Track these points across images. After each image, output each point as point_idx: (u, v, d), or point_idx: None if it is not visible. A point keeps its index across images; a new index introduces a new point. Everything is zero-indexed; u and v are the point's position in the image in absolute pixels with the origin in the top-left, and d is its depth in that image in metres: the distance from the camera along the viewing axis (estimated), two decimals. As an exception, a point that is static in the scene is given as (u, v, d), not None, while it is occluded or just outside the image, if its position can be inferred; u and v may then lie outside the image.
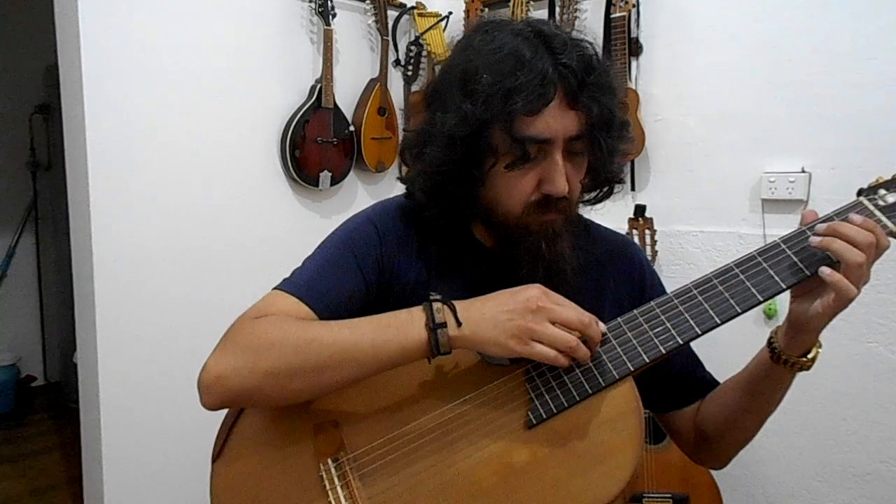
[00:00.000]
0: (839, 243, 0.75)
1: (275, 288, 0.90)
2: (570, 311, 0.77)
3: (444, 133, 0.83)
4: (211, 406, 0.81)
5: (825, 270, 0.76)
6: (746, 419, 0.91)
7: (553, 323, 0.76)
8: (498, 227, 0.89)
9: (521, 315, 0.76)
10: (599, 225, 1.03)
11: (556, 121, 0.80)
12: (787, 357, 0.83)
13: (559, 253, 0.86)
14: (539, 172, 0.83)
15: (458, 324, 0.77)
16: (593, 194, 0.95)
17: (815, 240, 0.77)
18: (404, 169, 0.98)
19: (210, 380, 0.79)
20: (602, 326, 0.80)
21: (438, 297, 0.80)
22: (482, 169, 0.85)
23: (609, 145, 0.84)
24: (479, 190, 0.88)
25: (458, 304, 0.79)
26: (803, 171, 1.92)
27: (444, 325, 0.77)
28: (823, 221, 0.79)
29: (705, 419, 0.96)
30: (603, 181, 0.93)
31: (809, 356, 0.83)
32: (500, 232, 0.89)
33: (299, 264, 0.94)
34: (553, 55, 0.79)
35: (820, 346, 0.84)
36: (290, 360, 0.78)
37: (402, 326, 0.79)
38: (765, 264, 0.79)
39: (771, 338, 0.85)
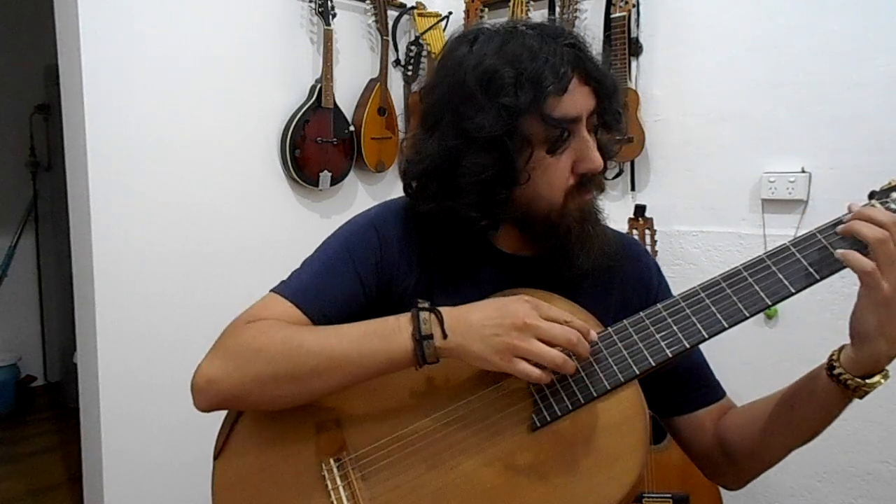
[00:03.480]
0: (860, 224, 0.73)
1: (272, 290, 0.90)
2: (557, 328, 0.76)
3: (480, 138, 0.81)
4: (203, 408, 0.84)
5: (838, 252, 0.73)
6: (776, 435, 0.85)
7: (540, 339, 0.75)
8: (540, 225, 0.87)
9: (506, 331, 0.75)
10: (606, 226, 1.02)
11: (578, 98, 0.82)
12: (840, 371, 0.75)
13: (601, 232, 0.89)
14: (572, 154, 0.84)
15: (445, 335, 0.77)
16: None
17: (840, 227, 0.75)
18: (421, 197, 0.93)
19: (201, 383, 0.81)
20: (593, 335, 0.78)
21: (426, 304, 0.79)
22: (521, 165, 0.83)
23: (619, 112, 0.87)
24: (516, 190, 0.85)
25: (445, 312, 0.79)
26: (803, 171, 1.91)
27: (430, 336, 0.77)
28: (833, 225, 0.77)
29: (730, 430, 0.90)
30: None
31: (868, 380, 0.73)
32: (543, 229, 0.87)
33: (298, 265, 0.94)
34: (555, 39, 0.81)
35: (886, 376, 0.74)
36: (277, 367, 0.79)
37: (389, 336, 0.79)
38: (774, 267, 0.78)
39: (833, 353, 0.78)
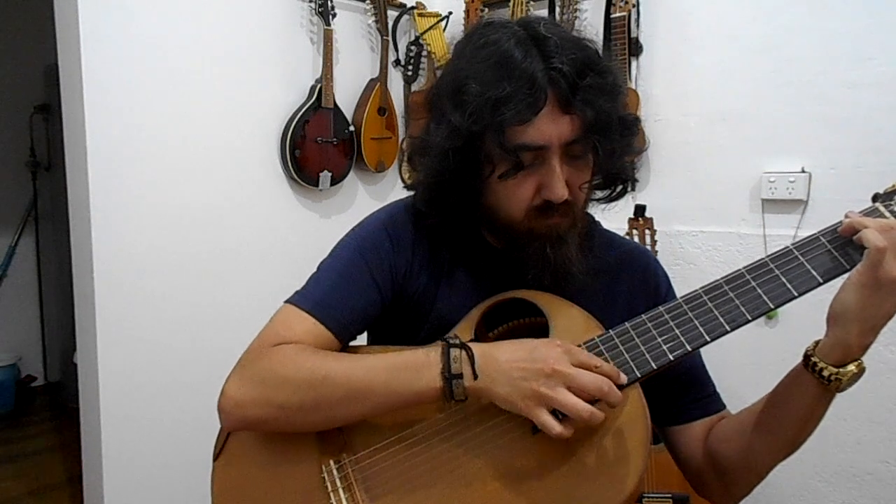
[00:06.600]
0: (869, 219, 0.74)
1: (289, 301, 0.89)
2: (587, 376, 0.73)
3: (437, 144, 0.83)
4: (231, 429, 0.86)
5: (857, 222, 0.73)
6: (761, 441, 0.83)
7: (569, 387, 0.73)
8: (502, 232, 0.89)
9: (534, 377, 0.73)
10: (616, 233, 1.02)
11: (549, 127, 0.78)
12: (817, 360, 0.74)
13: (566, 256, 0.84)
14: (537, 179, 0.81)
15: (475, 375, 0.76)
16: (605, 193, 0.92)
17: (845, 221, 0.75)
18: (406, 172, 0.98)
19: (229, 406, 0.82)
20: (623, 378, 0.76)
21: (457, 341, 0.78)
22: (479, 178, 0.84)
23: (607, 147, 0.81)
24: (479, 197, 0.87)
25: (476, 350, 0.77)
26: (803, 171, 1.91)
27: (459, 375, 0.76)
28: (835, 228, 0.77)
29: (719, 439, 0.89)
30: (612, 180, 0.91)
31: (842, 369, 0.73)
32: (506, 236, 0.89)
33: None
34: (545, 59, 0.77)
35: (861, 365, 0.73)
36: (303, 397, 0.80)
37: (418, 371, 0.78)
38: (777, 271, 0.77)
39: (809, 345, 0.78)
